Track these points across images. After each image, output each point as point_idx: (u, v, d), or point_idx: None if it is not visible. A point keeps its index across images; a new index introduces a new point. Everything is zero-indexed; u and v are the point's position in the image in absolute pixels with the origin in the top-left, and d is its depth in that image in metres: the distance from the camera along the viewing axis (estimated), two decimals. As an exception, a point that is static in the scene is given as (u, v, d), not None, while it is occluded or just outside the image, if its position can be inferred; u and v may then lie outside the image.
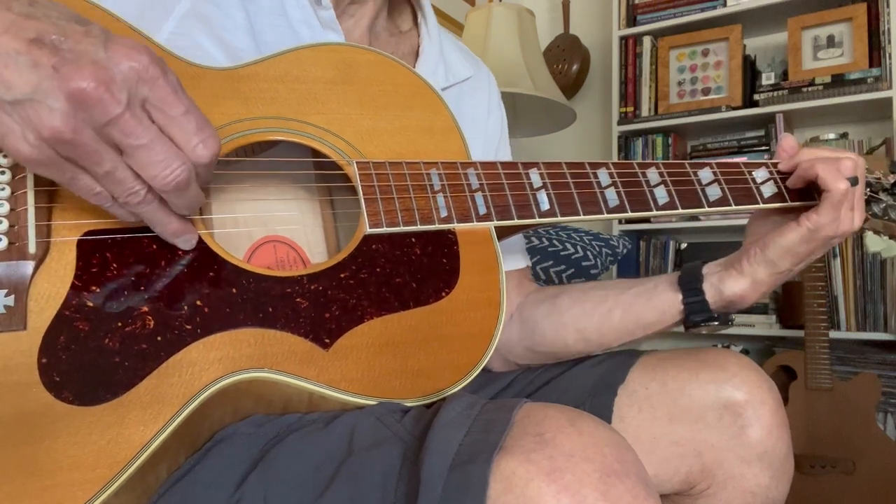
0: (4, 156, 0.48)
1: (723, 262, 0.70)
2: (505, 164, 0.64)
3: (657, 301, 0.71)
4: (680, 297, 0.69)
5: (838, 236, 0.64)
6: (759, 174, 0.69)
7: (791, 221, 0.65)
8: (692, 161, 0.69)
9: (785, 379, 1.83)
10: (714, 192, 0.67)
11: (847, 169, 0.64)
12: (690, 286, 0.69)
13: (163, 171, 0.43)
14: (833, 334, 1.89)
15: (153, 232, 0.49)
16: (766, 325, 2.14)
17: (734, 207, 0.66)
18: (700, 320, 0.69)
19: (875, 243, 0.70)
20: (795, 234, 0.64)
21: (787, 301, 2.10)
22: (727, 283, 0.68)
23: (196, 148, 0.44)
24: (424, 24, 0.81)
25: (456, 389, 0.54)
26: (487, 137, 0.86)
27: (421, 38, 0.81)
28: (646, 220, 2.31)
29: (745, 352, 2.21)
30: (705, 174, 0.68)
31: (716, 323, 0.69)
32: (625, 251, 1.77)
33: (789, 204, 0.69)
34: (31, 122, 0.40)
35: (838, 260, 2.06)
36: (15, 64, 0.39)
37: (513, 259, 0.84)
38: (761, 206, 0.68)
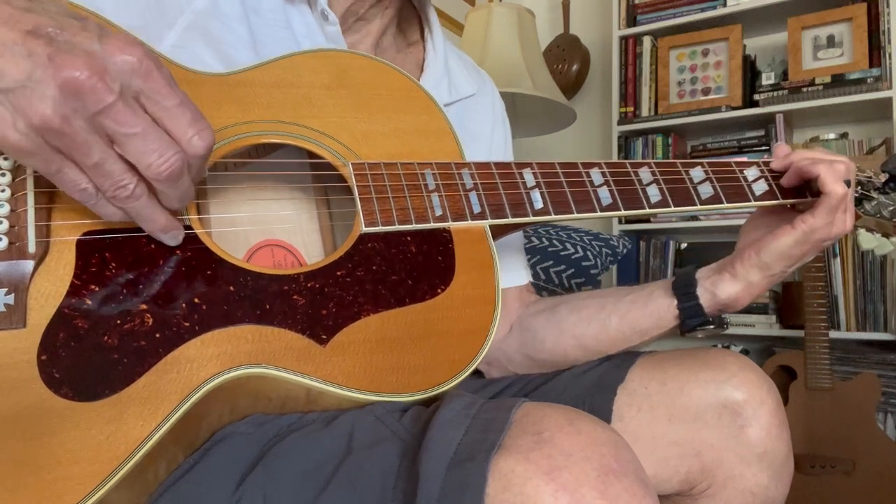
0: (5, 158, 0.48)
1: (715, 267, 0.71)
2: (498, 165, 0.65)
3: (653, 307, 0.72)
4: (675, 302, 0.70)
5: (831, 238, 0.65)
6: (751, 172, 0.70)
7: (785, 225, 0.66)
8: (683, 160, 0.70)
9: (785, 379, 1.83)
10: (706, 190, 0.68)
11: (842, 172, 0.64)
12: (684, 291, 0.70)
13: (157, 159, 0.43)
14: (833, 334, 1.89)
15: None
16: (766, 325, 2.14)
17: (726, 205, 0.67)
18: (696, 324, 0.70)
19: (867, 241, 0.71)
20: (790, 237, 0.65)
21: (787, 301, 2.10)
22: (721, 287, 0.69)
23: (192, 139, 0.44)
24: (430, 39, 0.82)
25: (452, 384, 0.55)
26: (491, 154, 0.86)
27: (426, 53, 0.81)
28: (646, 220, 2.31)
29: (745, 352, 2.21)
30: (697, 173, 0.69)
31: (711, 326, 0.70)
32: (625, 251, 1.77)
33: (781, 202, 0.69)
34: (21, 109, 0.40)
35: (838, 260, 2.06)
36: (10, 53, 0.40)
37: (516, 274, 0.85)
38: (753, 203, 0.69)
